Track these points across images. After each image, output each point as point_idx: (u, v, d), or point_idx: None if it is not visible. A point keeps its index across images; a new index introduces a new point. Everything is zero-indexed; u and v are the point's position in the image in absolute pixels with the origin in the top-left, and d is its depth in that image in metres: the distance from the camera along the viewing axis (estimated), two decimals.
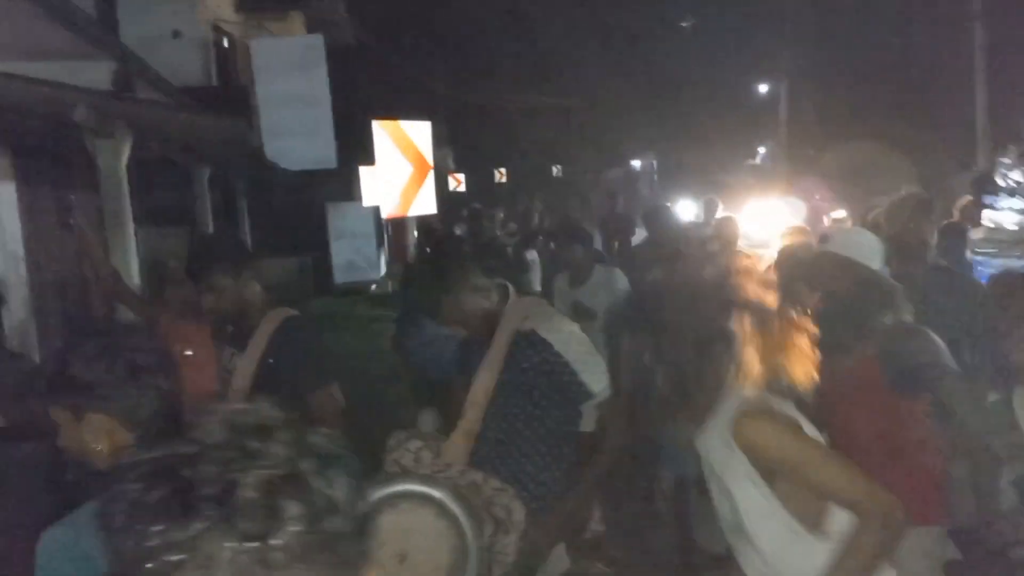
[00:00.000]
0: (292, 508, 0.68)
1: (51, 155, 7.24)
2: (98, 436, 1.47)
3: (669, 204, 9.56)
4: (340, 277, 13.77)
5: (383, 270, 14.59)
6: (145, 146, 5.81)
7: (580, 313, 4.14)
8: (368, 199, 11.50)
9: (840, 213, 7.77)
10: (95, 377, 1.47)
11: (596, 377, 2.37)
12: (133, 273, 5.78)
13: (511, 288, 2.51)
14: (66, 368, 1.50)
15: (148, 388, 1.51)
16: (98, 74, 7.78)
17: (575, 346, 2.42)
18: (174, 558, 0.67)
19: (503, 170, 24.51)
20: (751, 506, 1.67)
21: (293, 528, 0.68)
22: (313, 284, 12.91)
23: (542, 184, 23.80)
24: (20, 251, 8.08)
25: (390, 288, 12.97)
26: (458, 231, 9.78)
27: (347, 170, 11.91)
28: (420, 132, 6.40)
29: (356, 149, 10.60)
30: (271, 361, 2.73)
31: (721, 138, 24.04)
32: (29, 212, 8.24)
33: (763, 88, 24.80)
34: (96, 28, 7.69)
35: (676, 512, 4.13)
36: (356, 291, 13.33)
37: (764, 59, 22.00)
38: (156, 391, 1.52)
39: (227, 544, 0.66)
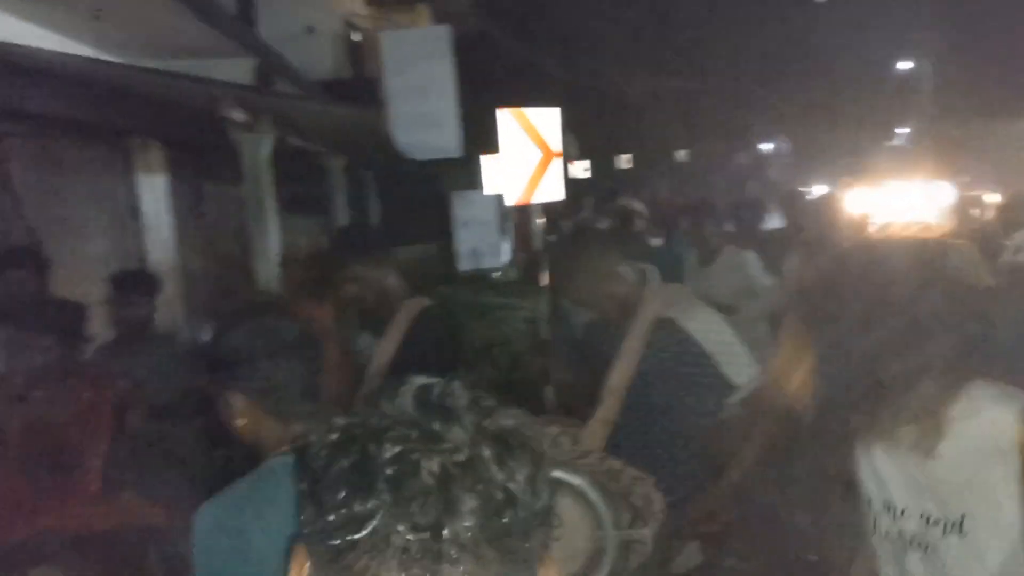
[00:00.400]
0: (468, 502, 0.65)
1: (199, 148, 7.64)
2: (240, 414, 1.53)
3: (804, 189, 9.17)
4: (464, 265, 13.96)
5: (506, 258, 14.71)
6: (286, 138, 6.04)
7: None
8: (491, 187, 11.60)
9: (993, 197, 7.27)
10: (237, 357, 1.53)
11: (739, 369, 2.30)
12: (275, 263, 6.02)
13: (652, 274, 2.46)
14: (215, 348, 1.58)
15: (285, 371, 1.55)
16: (240, 70, 8.17)
17: (717, 336, 2.34)
18: (352, 537, 0.65)
19: (627, 156, 24.17)
20: (1010, 516, 1.52)
21: (466, 523, 0.65)
22: (437, 272, 13.18)
23: (667, 169, 23.34)
24: (171, 239, 8.60)
25: (513, 275, 13.06)
26: (587, 217, 9.72)
27: (471, 159, 12.06)
28: (547, 119, 6.35)
29: (480, 137, 10.71)
30: (408, 349, 2.78)
31: (857, 119, 22.87)
32: (179, 202, 8.74)
33: (903, 66, 23.44)
34: (238, 25, 8.06)
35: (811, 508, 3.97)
36: (479, 278, 13.48)
37: (906, 35, 20.79)
38: (293, 374, 1.56)
39: (400, 529, 0.64)
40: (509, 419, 0.72)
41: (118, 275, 4.49)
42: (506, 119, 6.43)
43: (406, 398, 0.71)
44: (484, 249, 14.67)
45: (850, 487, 1.80)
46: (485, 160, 11.62)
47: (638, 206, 7.14)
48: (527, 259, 9.96)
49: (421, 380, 0.73)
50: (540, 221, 8.74)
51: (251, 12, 10.01)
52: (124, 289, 4.17)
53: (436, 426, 0.68)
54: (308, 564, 0.71)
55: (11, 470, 2.60)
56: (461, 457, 0.67)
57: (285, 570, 1.45)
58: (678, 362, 2.31)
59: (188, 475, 4.07)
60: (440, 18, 14.42)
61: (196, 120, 6.21)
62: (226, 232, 9.61)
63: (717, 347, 2.29)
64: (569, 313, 4.84)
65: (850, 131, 23.18)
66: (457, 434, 0.68)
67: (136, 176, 8.20)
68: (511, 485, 0.67)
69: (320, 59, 11.39)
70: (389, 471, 0.66)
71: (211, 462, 3.85)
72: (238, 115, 5.78)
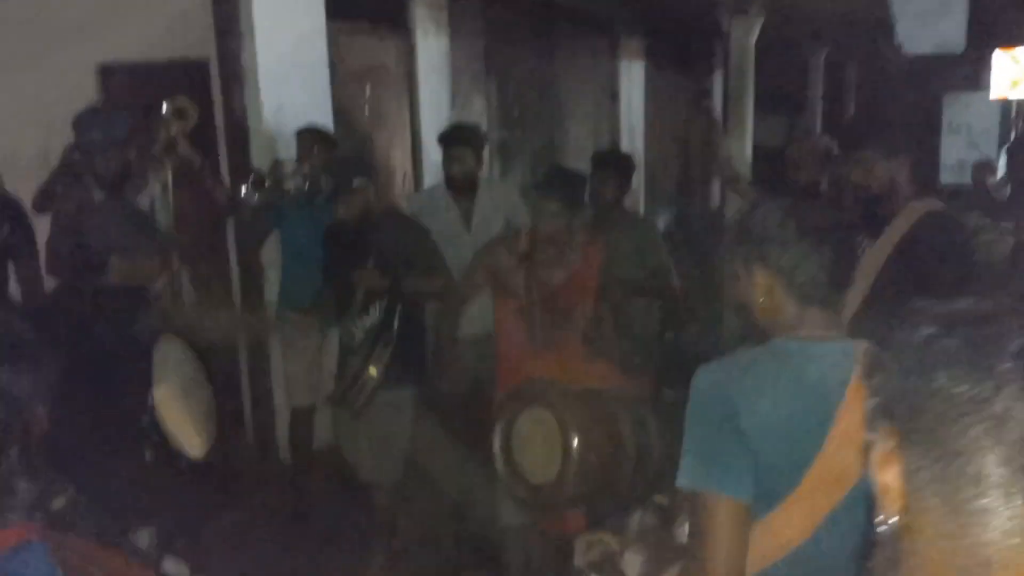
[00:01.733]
0: None
1: (683, 33, 7.68)
2: (760, 290, 1.50)
3: None
4: (947, 177, 12.43)
5: (1001, 172, 12.75)
6: (773, 24, 5.77)
7: None
8: (999, 89, 10.00)
9: None
10: (767, 234, 1.49)
11: None
12: (747, 155, 5.91)
13: None
14: (745, 223, 1.55)
15: (816, 256, 1.48)
16: None
17: None
18: (972, 419, 0.67)
19: None
20: None
21: None
22: (914, 183, 11.86)
23: None
24: (641, 127, 8.92)
25: (1006, 194, 11.31)
26: None
27: (976, 55, 10.46)
28: None
29: (994, 30, 9.20)
30: (905, 254, 2.52)
31: None
32: (654, 90, 8.98)
33: None
34: None
35: None
36: (965, 193, 11.92)
37: None
38: (823, 261, 1.49)
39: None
40: None
41: (599, 154, 4.74)
42: None
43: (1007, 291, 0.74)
44: (974, 161, 12.88)
45: None
46: (996, 58, 10.03)
47: None
48: None
49: None
50: None
51: None
52: (604, 167, 4.38)
53: None
54: (898, 443, 0.72)
55: (517, 322, 2.95)
56: None
57: (765, 450, 1.45)
58: None
59: (650, 349, 4.27)
60: None
61: (682, 7, 6.21)
62: (694, 121, 9.68)
63: None
64: None
65: None
66: None
67: (618, 63, 8.58)
68: None
69: None
70: (1008, 351, 0.68)
71: (674, 338, 4.00)
72: None
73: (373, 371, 3.22)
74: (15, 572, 1.01)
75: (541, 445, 2.47)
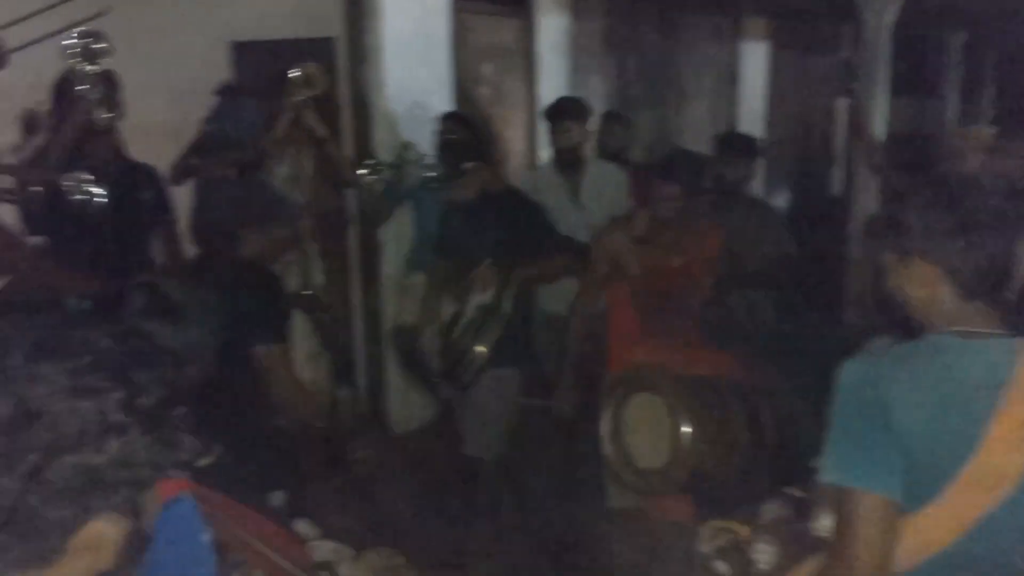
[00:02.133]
0: None
1: (811, 14, 7.38)
2: (919, 283, 1.44)
3: None
4: None
5: None
6: (909, 6, 5.45)
7: None
8: None
9: None
10: (925, 225, 1.42)
11: None
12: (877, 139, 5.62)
13: None
14: (897, 212, 1.49)
15: (980, 246, 1.40)
16: None
17: None
18: None
19: None
20: None
21: None
22: None
23: None
24: (762, 109, 8.64)
25: None
26: None
27: None
28: None
29: None
30: None
31: None
32: (778, 72, 8.69)
33: None
34: None
35: None
36: None
37: None
38: (986, 252, 1.41)
39: None
40: None
41: (724, 136, 4.61)
42: None
43: None
44: None
45: None
46: None
47: None
48: None
49: None
50: None
51: None
52: (728, 150, 4.27)
53: None
54: None
55: (630, 305, 2.92)
56: None
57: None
58: None
59: (767, 338, 4.16)
60: None
61: None
62: (818, 105, 9.33)
63: None
64: None
65: None
66: None
67: (740, 44, 8.32)
68: None
69: None
70: None
71: (793, 328, 3.88)
72: None
73: (482, 349, 3.25)
74: (168, 525, 1.09)
75: (650, 431, 2.46)
